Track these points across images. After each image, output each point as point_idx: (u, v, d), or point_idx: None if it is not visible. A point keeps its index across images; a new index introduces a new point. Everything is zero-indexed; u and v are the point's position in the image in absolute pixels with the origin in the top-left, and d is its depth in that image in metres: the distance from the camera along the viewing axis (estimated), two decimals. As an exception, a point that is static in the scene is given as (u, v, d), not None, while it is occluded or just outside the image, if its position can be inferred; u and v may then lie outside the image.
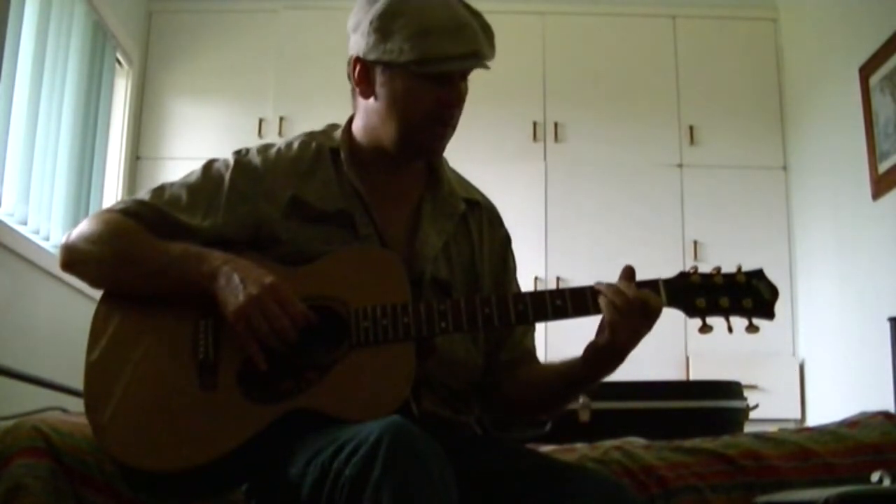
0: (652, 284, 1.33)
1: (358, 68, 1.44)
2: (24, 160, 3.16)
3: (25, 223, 3.16)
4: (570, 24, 4.48)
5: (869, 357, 3.35)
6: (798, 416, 3.94)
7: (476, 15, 1.43)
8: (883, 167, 3.35)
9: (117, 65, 4.14)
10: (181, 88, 4.42)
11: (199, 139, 4.31)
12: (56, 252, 3.30)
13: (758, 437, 1.72)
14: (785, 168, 4.30)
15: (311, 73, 4.25)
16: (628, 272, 1.34)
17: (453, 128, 1.45)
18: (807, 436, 1.72)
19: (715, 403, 2.53)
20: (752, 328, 1.33)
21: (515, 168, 4.26)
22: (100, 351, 1.34)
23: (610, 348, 1.31)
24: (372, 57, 1.41)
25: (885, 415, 1.77)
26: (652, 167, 4.32)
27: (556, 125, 4.34)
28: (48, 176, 3.37)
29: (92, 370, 1.32)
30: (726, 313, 1.33)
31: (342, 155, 1.48)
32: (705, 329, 1.33)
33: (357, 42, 1.43)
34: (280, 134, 4.21)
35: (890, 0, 3.36)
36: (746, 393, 2.61)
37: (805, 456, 1.65)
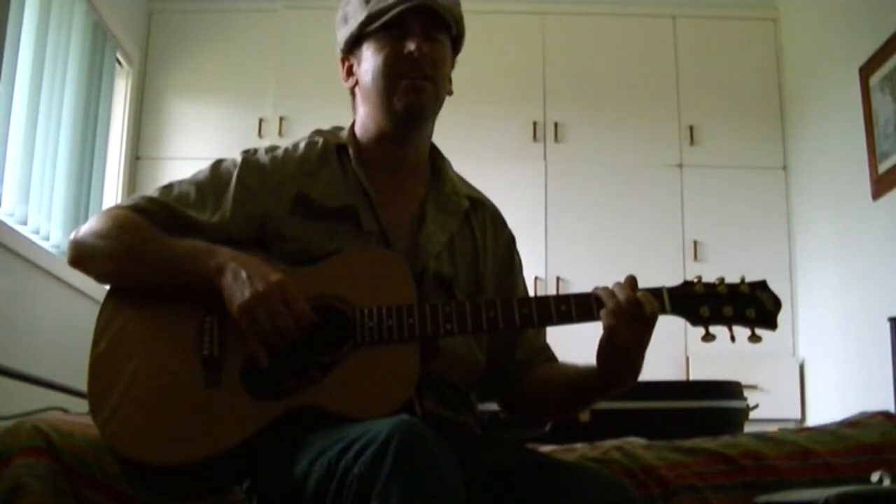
0: (656, 292, 1.34)
1: (344, 68, 1.54)
2: (24, 160, 3.16)
3: (25, 223, 3.16)
4: (570, 24, 4.48)
5: (869, 357, 3.35)
6: (798, 416, 3.94)
7: None
8: (883, 167, 3.35)
9: (117, 65, 4.14)
10: (181, 88, 4.42)
11: (199, 139, 4.31)
12: (56, 252, 3.36)
13: (758, 437, 1.73)
14: (785, 168, 4.30)
15: (311, 73, 4.24)
16: (630, 280, 1.34)
17: (432, 82, 1.45)
18: (807, 436, 1.72)
19: (715, 403, 2.53)
20: (754, 338, 1.34)
21: (515, 168, 4.25)
22: (105, 344, 1.34)
23: (611, 352, 1.31)
24: (342, 44, 1.51)
25: (885, 415, 1.77)
26: (652, 167, 4.32)
27: (556, 125, 4.34)
28: (48, 176, 3.37)
29: (97, 363, 1.32)
30: (729, 323, 1.33)
31: (350, 151, 1.50)
32: (708, 338, 1.34)
33: (337, 46, 1.54)
34: (280, 134, 4.21)
35: (890, 0, 3.36)
36: (746, 393, 2.61)
37: (805, 456, 1.65)
